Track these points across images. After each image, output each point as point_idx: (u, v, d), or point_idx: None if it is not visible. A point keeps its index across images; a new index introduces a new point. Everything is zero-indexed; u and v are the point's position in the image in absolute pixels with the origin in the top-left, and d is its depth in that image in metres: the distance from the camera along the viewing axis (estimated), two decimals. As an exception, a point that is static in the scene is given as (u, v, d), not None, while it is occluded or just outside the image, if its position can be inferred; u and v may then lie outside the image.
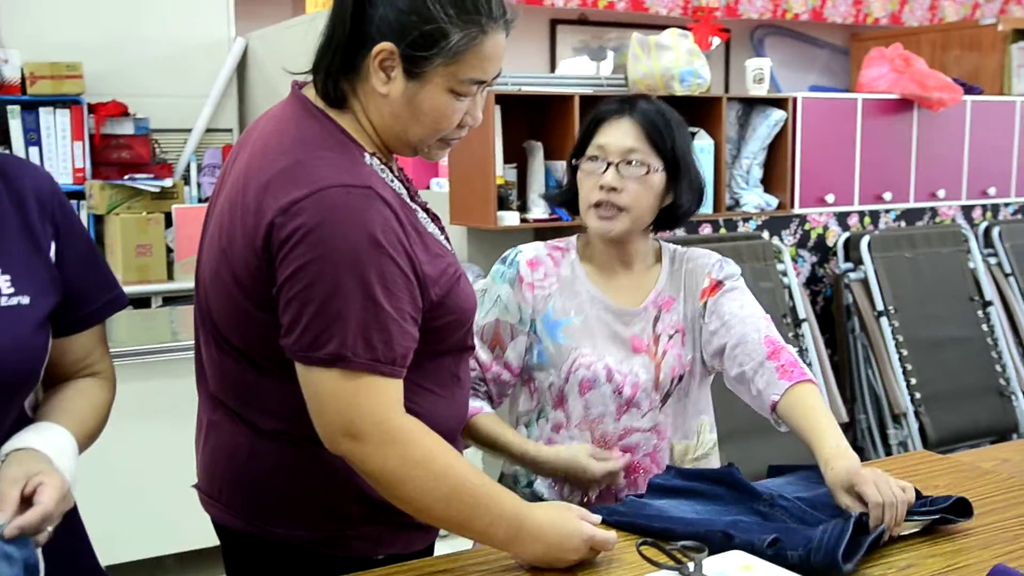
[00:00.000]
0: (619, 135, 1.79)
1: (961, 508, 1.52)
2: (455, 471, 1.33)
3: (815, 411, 1.64)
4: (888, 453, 4.11)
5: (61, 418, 1.26)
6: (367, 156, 1.38)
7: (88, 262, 1.34)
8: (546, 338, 1.81)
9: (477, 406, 1.79)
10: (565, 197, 1.90)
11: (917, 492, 1.54)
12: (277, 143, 1.37)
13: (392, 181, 1.41)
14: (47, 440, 1.19)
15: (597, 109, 1.85)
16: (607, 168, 1.78)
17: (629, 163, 1.77)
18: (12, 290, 1.20)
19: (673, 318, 1.86)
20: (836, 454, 1.54)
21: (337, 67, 1.38)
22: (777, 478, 1.70)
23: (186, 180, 4.71)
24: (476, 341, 1.75)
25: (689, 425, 1.87)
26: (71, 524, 1.38)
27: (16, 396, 1.22)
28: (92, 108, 4.49)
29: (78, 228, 1.34)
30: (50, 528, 1.12)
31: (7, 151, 1.32)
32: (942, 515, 1.50)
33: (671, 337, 1.84)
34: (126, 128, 4.56)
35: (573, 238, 1.92)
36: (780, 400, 1.67)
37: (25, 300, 1.21)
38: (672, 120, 1.83)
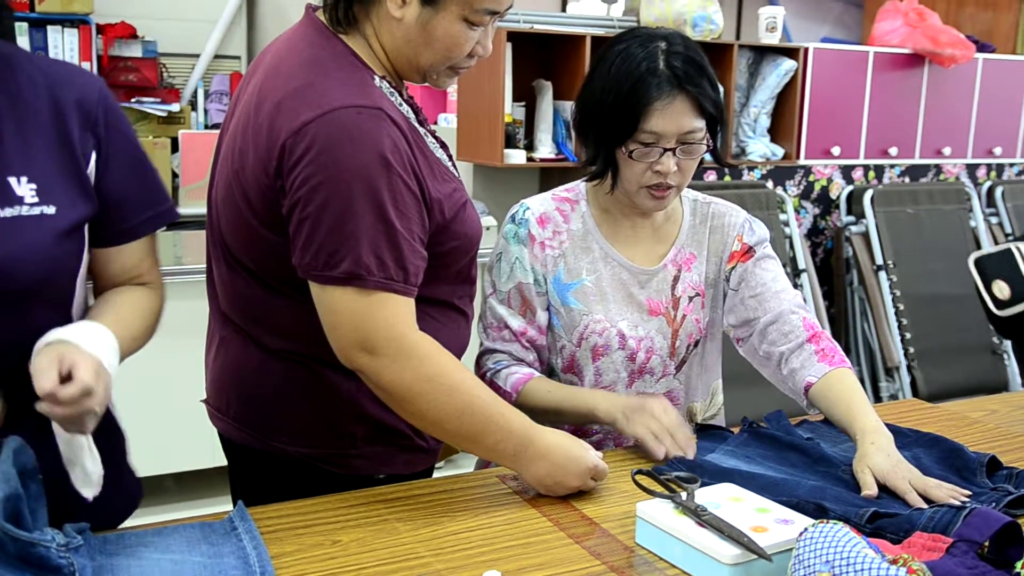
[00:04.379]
0: (675, 120, 1.59)
1: None
2: (468, 387, 1.36)
3: (852, 391, 1.61)
4: (878, 405, 4.17)
5: (100, 316, 1.26)
6: (377, 79, 1.40)
7: (133, 175, 1.31)
8: (556, 301, 1.73)
9: (528, 372, 1.71)
10: (605, 172, 1.68)
11: (997, 462, 1.53)
12: (289, 65, 1.39)
13: (401, 105, 1.42)
14: (79, 332, 1.18)
15: (634, 85, 1.59)
16: (663, 154, 1.61)
17: (686, 143, 1.61)
18: (36, 199, 1.20)
19: (694, 278, 1.77)
20: (873, 431, 1.51)
21: None
22: (817, 429, 1.69)
23: (193, 106, 4.69)
24: (503, 309, 1.72)
25: (702, 386, 1.83)
26: (110, 427, 1.41)
27: (33, 303, 1.22)
28: (100, 29, 4.46)
29: (125, 140, 1.30)
30: (97, 410, 1.13)
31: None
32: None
33: (691, 300, 1.76)
34: (134, 50, 4.53)
35: (581, 185, 1.79)
36: (817, 382, 1.63)
37: (50, 210, 1.21)
38: (711, 70, 1.63)
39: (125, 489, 1.43)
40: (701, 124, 1.62)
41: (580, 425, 1.70)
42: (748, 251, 1.77)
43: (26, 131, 1.21)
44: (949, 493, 1.41)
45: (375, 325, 1.32)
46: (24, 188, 1.19)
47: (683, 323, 1.75)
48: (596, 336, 1.72)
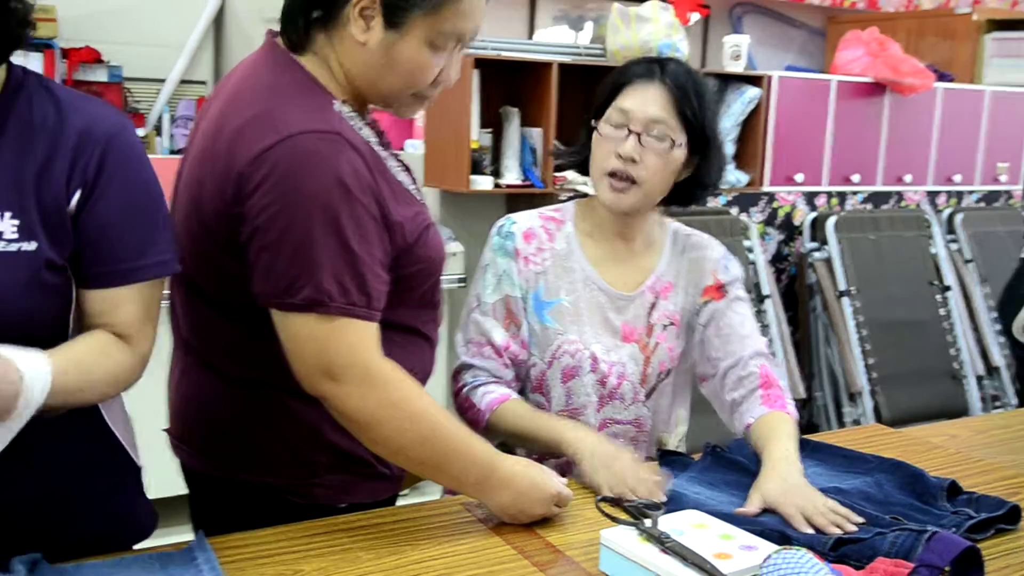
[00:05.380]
0: (646, 102, 1.66)
1: (1011, 515, 1.48)
2: (431, 415, 1.35)
3: (779, 427, 1.64)
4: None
5: (54, 350, 1.18)
6: (337, 104, 1.39)
7: (122, 222, 1.23)
8: (533, 317, 1.74)
9: (504, 393, 1.70)
10: (577, 158, 1.77)
11: (957, 487, 1.54)
12: (249, 91, 1.38)
13: (362, 129, 1.41)
14: (9, 348, 1.12)
15: (624, 68, 1.71)
16: (628, 136, 1.66)
17: (652, 134, 1.66)
18: (16, 235, 1.16)
19: (669, 307, 1.79)
20: (779, 460, 1.54)
21: (314, 15, 1.38)
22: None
23: (158, 131, 4.66)
24: (488, 322, 1.71)
25: (671, 416, 1.85)
26: (118, 460, 1.39)
27: (11, 339, 1.14)
28: (65, 53, 4.43)
29: (123, 185, 1.23)
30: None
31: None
32: (990, 524, 1.45)
33: (665, 328, 1.78)
34: (99, 75, 4.50)
35: (570, 205, 1.81)
36: (753, 423, 1.68)
37: (30, 246, 1.17)
38: (704, 89, 1.70)
39: (136, 519, 1.42)
40: (671, 119, 1.66)
41: (548, 452, 1.69)
42: (721, 289, 1.80)
43: (20, 162, 1.18)
44: (833, 520, 1.40)
45: (338, 351, 1.31)
46: (6, 223, 1.16)
47: (656, 350, 1.77)
48: (568, 357, 1.72)
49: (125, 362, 1.26)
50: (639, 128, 1.66)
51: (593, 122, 1.71)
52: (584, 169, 1.77)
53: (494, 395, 1.69)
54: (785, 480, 1.49)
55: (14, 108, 1.19)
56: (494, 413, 1.67)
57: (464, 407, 1.71)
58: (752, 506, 1.45)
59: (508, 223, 1.77)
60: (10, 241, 1.16)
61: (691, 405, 1.92)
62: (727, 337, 1.77)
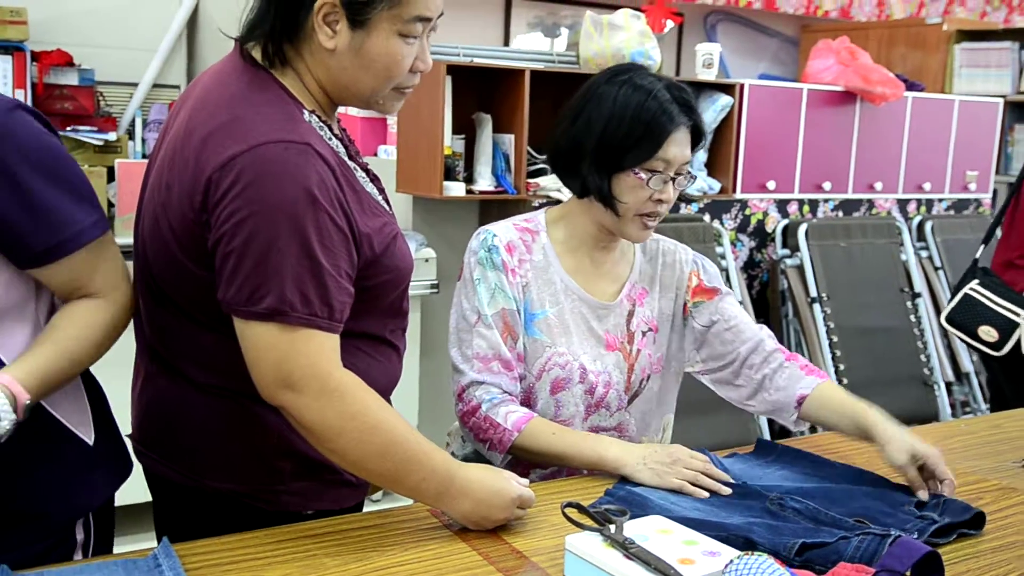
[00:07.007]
0: (683, 148, 1.69)
1: (975, 520, 1.51)
2: (390, 426, 1.35)
3: (845, 396, 1.79)
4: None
5: (34, 347, 1.29)
6: (306, 113, 1.39)
7: (16, 209, 1.25)
8: (520, 331, 1.74)
9: (527, 412, 1.68)
10: (609, 200, 1.71)
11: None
12: (217, 98, 1.38)
13: (330, 139, 1.41)
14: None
15: (659, 118, 1.66)
16: (667, 183, 1.69)
17: (682, 173, 1.70)
18: None
19: (646, 313, 1.81)
20: (895, 427, 1.68)
21: (279, 29, 1.38)
22: (747, 461, 1.73)
23: (130, 135, 4.64)
24: (494, 335, 1.69)
25: (654, 422, 1.86)
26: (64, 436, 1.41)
27: None
28: (36, 56, 4.39)
29: (15, 169, 1.24)
30: None
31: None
32: (954, 528, 1.48)
33: (644, 335, 1.81)
34: (70, 79, 4.47)
35: (541, 215, 1.81)
36: (811, 393, 1.78)
37: None
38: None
39: (80, 494, 1.42)
40: (690, 154, 1.72)
41: (582, 470, 1.68)
42: (709, 289, 1.85)
43: None
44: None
45: (297, 362, 1.31)
46: None
47: (638, 357, 1.79)
48: (558, 369, 1.73)
49: (103, 321, 1.37)
50: (673, 172, 1.69)
51: (636, 171, 1.67)
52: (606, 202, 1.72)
53: (519, 415, 1.67)
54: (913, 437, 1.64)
55: None
56: (522, 433, 1.65)
57: (484, 427, 1.68)
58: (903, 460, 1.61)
59: (489, 236, 1.74)
60: None
61: (675, 408, 1.96)
62: (736, 327, 1.83)
